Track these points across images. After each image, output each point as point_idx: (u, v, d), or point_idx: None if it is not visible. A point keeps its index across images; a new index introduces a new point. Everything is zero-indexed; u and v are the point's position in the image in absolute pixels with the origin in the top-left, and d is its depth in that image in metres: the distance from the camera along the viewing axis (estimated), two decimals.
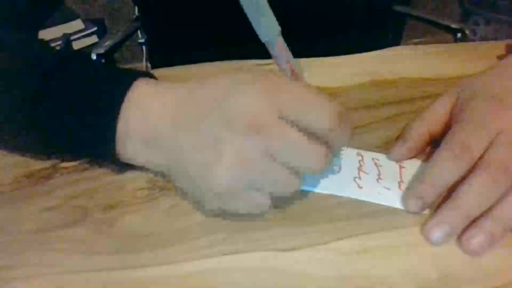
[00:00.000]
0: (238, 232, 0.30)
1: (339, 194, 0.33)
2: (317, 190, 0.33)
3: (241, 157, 0.27)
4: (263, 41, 0.29)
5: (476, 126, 0.32)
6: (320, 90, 0.44)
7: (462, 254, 0.28)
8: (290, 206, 0.32)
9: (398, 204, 0.32)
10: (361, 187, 0.33)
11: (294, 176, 0.29)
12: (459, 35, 0.80)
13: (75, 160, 0.36)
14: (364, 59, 0.50)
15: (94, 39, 1.51)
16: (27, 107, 0.32)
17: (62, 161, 0.36)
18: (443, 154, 0.32)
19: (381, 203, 0.32)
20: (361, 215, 0.31)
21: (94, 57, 0.76)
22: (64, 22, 1.44)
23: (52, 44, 1.38)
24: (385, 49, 0.52)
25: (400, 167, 0.35)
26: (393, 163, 0.35)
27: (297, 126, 0.28)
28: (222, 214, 0.30)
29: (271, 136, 0.27)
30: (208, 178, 0.28)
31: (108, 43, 0.78)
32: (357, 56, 0.50)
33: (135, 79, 0.32)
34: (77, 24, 1.48)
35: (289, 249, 0.29)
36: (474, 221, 0.29)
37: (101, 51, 0.76)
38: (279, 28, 0.29)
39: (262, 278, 0.27)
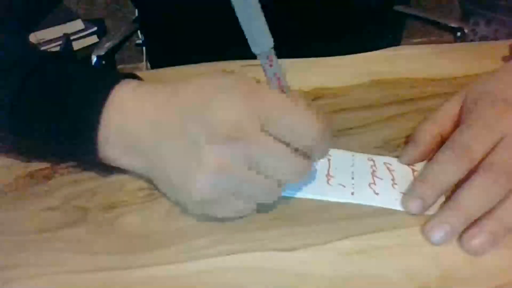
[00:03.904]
0: (238, 232, 0.30)
1: (355, 202, 0.32)
2: (331, 199, 0.32)
3: (221, 165, 0.27)
4: (254, 53, 0.29)
5: (481, 128, 0.32)
6: (321, 90, 0.44)
7: (462, 254, 0.28)
8: (290, 206, 0.32)
9: None
10: (377, 193, 0.33)
11: (275, 184, 0.29)
12: (459, 34, 0.80)
13: (55, 165, 0.36)
14: (364, 59, 0.50)
15: (94, 39, 1.50)
16: (6, 108, 0.31)
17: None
18: (444, 155, 0.32)
19: (398, 209, 0.32)
20: (361, 215, 0.31)
21: (94, 59, 0.76)
22: (64, 22, 1.44)
23: (52, 44, 1.38)
24: (385, 49, 0.52)
25: (413, 170, 0.35)
26: (406, 167, 0.35)
27: (279, 138, 0.27)
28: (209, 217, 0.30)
29: (251, 144, 0.27)
30: (188, 185, 0.28)
31: (107, 44, 0.78)
32: (357, 56, 0.50)
33: (117, 82, 0.31)
34: (77, 24, 1.48)
35: (289, 249, 0.29)
36: (475, 222, 0.29)
37: (101, 52, 0.76)
38: (272, 42, 0.29)
39: (262, 278, 0.27)
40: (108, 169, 0.33)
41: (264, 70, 0.29)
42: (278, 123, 0.27)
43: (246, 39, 0.29)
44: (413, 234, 0.30)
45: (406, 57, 0.50)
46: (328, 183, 0.34)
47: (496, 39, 1.62)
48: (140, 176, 0.34)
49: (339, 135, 0.39)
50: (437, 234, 0.29)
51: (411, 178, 0.34)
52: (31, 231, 0.30)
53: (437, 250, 0.29)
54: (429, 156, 0.35)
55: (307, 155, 0.29)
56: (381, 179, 0.34)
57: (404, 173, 0.34)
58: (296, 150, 0.28)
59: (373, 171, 0.35)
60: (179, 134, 0.28)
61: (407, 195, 0.32)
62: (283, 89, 0.29)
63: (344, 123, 0.40)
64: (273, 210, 0.31)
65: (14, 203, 0.33)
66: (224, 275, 0.27)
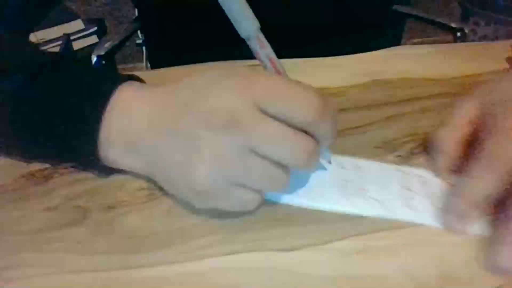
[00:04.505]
0: (238, 232, 0.30)
1: (388, 217, 0.31)
2: (365, 213, 0.31)
3: (220, 155, 0.27)
4: (242, 37, 0.29)
5: None
6: (321, 90, 0.44)
7: (462, 254, 0.28)
8: (290, 206, 0.32)
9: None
10: (411, 208, 0.31)
11: (280, 170, 0.28)
12: (459, 34, 0.80)
13: (55, 165, 0.36)
14: (364, 59, 0.50)
15: (94, 39, 1.51)
16: (8, 108, 0.31)
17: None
18: (480, 168, 0.30)
19: (434, 224, 0.30)
20: (361, 215, 0.31)
21: (94, 58, 0.76)
22: (64, 22, 1.44)
23: (52, 44, 1.39)
24: (385, 49, 0.52)
25: (448, 184, 0.33)
26: (439, 180, 0.34)
27: (278, 118, 0.27)
28: (221, 214, 0.30)
29: (248, 130, 0.26)
30: (189, 178, 0.27)
31: (107, 44, 0.78)
32: (357, 56, 0.50)
33: (119, 84, 0.31)
34: (77, 24, 1.48)
35: (289, 249, 0.29)
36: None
37: (101, 52, 0.76)
38: (257, 24, 0.28)
39: (262, 278, 0.27)
40: (107, 172, 0.33)
41: (256, 54, 0.29)
42: (276, 103, 0.27)
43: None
44: (413, 234, 0.30)
45: (406, 57, 0.50)
46: (361, 196, 0.32)
47: (496, 39, 1.62)
48: (140, 176, 0.34)
49: (339, 135, 0.38)
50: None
51: (446, 192, 0.33)
52: (31, 231, 0.30)
53: (437, 250, 0.29)
54: (455, 163, 0.34)
55: (312, 137, 0.28)
56: (416, 193, 0.33)
57: (439, 187, 0.33)
58: (300, 132, 0.27)
59: (408, 184, 0.33)
60: (176, 131, 0.28)
61: (444, 210, 0.31)
62: (279, 70, 0.29)
63: (344, 123, 0.40)
64: (273, 210, 0.31)
65: (14, 203, 0.33)
66: (224, 275, 0.27)
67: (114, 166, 0.33)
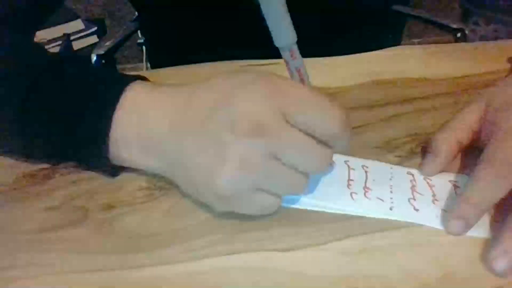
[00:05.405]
0: (238, 232, 0.30)
1: (393, 218, 0.31)
2: (368, 214, 0.31)
3: (245, 160, 0.27)
4: (277, 46, 0.29)
5: None
6: (320, 90, 0.44)
7: (462, 254, 0.28)
8: (290, 206, 0.32)
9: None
10: (417, 209, 0.31)
11: (300, 176, 0.29)
12: (459, 35, 0.80)
13: (55, 165, 0.36)
14: (364, 59, 0.50)
15: (94, 39, 1.51)
16: (14, 108, 0.31)
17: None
18: (485, 173, 0.30)
19: (438, 227, 0.30)
20: (362, 215, 0.31)
21: (94, 58, 0.76)
22: (64, 22, 1.44)
23: (52, 44, 1.39)
24: (385, 49, 0.52)
25: (455, 186, 0.33)
26: (447, 182, 0.33)
27: (301, 128, 0.27)
28: (221, 214, 0.30)
29: (274, 137, 0.27)
30: (212, 182, 0.27)
31: (107, 43, 0.78)
32: (357, 56, 0.50)
33: (128, 84, 0.31)
34: (77, 24, 1.49)
35: (289, 249, 0.29)
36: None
37: (101, 52, 0.76)
38: (295, 37, 0.29)
39: (262, 278, 0.27)
40: (113, 173, 0.33)
41: (286, 63, 0.30)
42: (302, 115, 0.27)
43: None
44: (413, 234, 0.30)
45: (406, 57, 0.50)
46: (365, 196, 0.32)
47: (496, 39, 1.62)
48: (140, 176, 0.34)
49: None
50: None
51: (453, 194, 0.32)
52: (31, 231, 0.30)
53: (437, 250, 0.29)
54: (448, 165, 0.34)
55: (329, 146, 0.29)
56: (422, 194, 0.32)
57: (445, 189, 0.33)
58: (319, 141, 0.28)
59: (413, 185, 0.33)
60: (201, 133, 0.28)
61: (449, 215, 0.30)
62: (304, 82, 0.30)
63: None
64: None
65: (14, 203, 0.33)
66: (224, 275, 0.27)
67: (125, 165, 0.32)
